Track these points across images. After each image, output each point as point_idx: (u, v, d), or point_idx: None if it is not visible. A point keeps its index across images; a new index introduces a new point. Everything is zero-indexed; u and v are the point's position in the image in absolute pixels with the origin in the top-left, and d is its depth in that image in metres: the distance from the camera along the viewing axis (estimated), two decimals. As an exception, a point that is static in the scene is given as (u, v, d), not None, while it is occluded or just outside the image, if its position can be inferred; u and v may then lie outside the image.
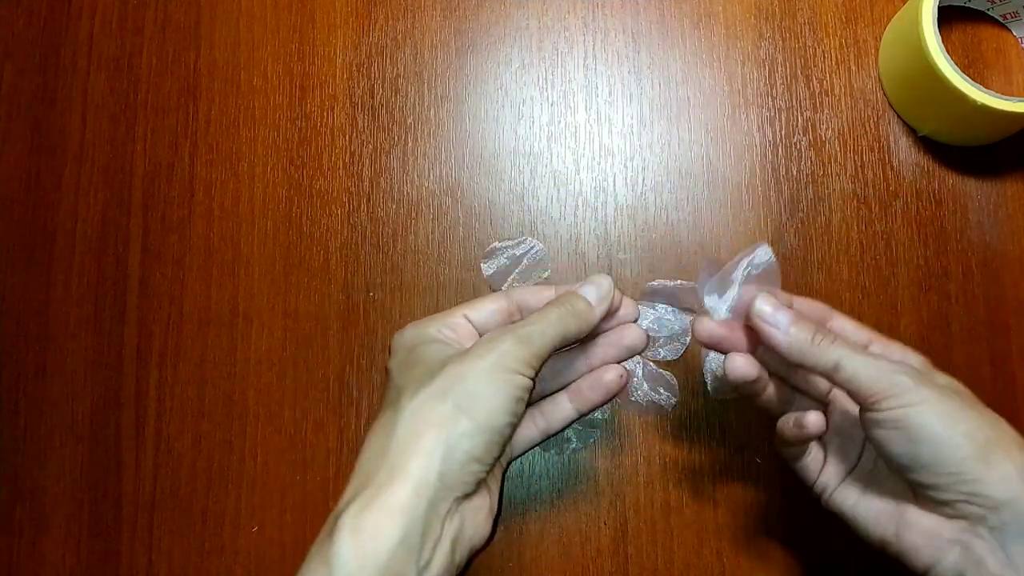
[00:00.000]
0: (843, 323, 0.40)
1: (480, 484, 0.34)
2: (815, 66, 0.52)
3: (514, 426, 0.35)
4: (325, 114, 0.52)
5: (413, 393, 0.34)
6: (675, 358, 0.49)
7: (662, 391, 0.48)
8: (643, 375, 0.48)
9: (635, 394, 0.48)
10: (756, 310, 0.37)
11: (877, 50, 0.52)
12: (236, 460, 0.49)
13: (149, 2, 0.54)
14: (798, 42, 0.52)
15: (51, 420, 0.50)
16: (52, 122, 0.53)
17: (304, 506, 0.48)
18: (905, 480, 0.35)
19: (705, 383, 0.48)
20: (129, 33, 0.54)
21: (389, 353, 0.38)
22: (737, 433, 0.48)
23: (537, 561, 0.47)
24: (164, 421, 0.50)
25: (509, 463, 0.39)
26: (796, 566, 0.47)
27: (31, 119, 0.53)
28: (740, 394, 0.41)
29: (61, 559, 0.49)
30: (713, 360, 0.48)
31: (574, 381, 0.40)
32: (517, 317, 0.40)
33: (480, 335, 0.39)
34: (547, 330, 0.36)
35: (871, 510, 0.37)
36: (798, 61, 0.52)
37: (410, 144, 0.52)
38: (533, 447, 0.40)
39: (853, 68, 0.52)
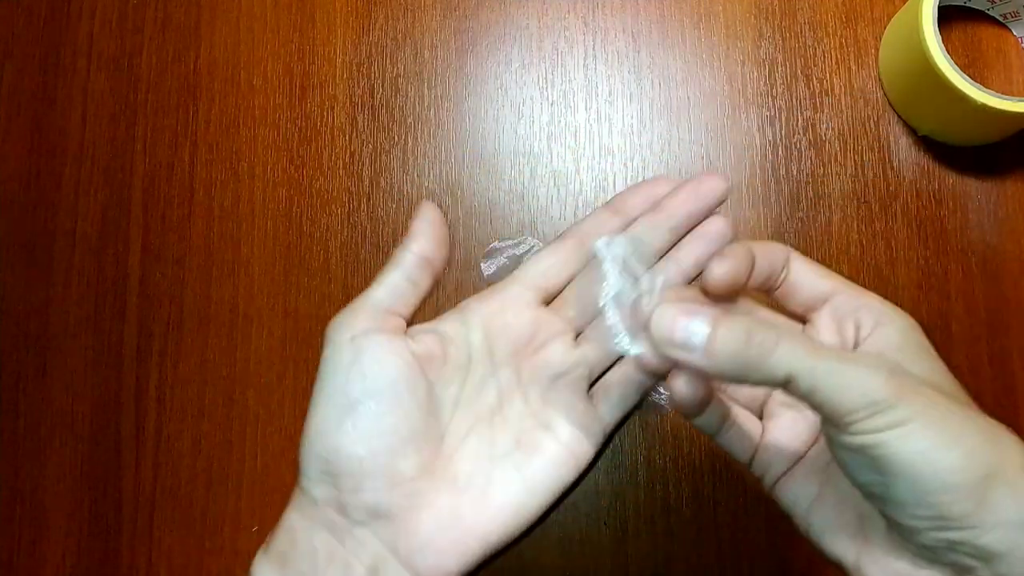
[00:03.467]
0: (801, 274, 0.31)
1: None
2: (815, 66, 0.52)
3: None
4: (325, 114, 0.52)
5: None
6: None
7: (662, 391, 0.48)
8: (643, 375, 0.48)
9: (635, 394, 0.48)
10: (657, 337, 0.27)
11: (877, 50, 0.52)
12: (236, 460, 0.49)
13: (149, 2, 0.54)
14: (798, 42, 0.52)
15: (51, 420, 0.50)
16: (52, 122, 0.53)
17: (304, 506, 0.48)
18: (875, 507, 0.27)
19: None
20: (129, 33, 0.54)
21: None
22: (737, 433, 0.48)
23: (537, 561, 0.47)
24: (164, 421, 0.50)
25: (607, 436, 0.33)
26: (796, 566, 0.47)
27: (31, 119, 0.53)
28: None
29: (61, 559, 0.49)
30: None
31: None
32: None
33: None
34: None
35: (827, 520, 0.29)
36: (798, 61, 0.52)
37: (410, 144, 0.52)
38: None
39: (853, 68, 0.52)
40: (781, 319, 0.31)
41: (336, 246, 0.51)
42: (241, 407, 0.50)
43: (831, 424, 0.26)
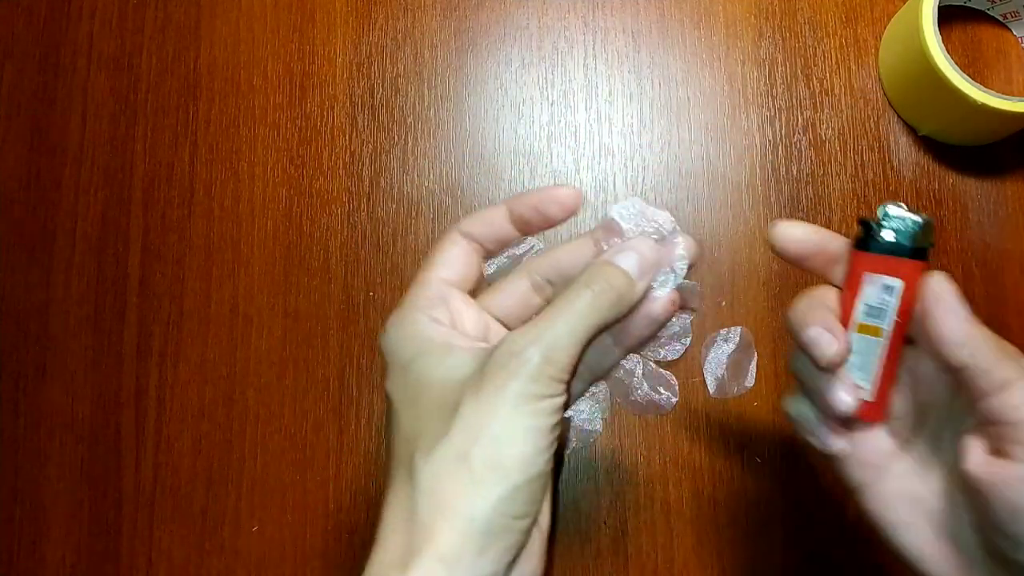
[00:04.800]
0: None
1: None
2: (815, 66, 0.52)
3: (552, 458, 0.29)
4: (325, 114, 0.52)
5: (428, 452, 0.28)
6: (675, 358, 0.49)
7: (662, 391, 0.48)
8: (643, 375, 0.48)
9: (635, 394, 0.48)
10: (935, 289, 0.29)
11: (877, 50, 0.52)
12: (236, 460, 0.49)
13: (149, 2, 0.54)
14: (798, 42, 0.52)
15: (51, 420, 0.50)
16: (52, 122, 0.53)
17: (304, 506, 0.48)
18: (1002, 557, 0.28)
19: (705, 383, 0.48)
20: (129, 33, 0.54)
21: (386, 366, 0.32)
22: (737, 433, 0.48)
23: (537, 561, 0.47)
24: (164, 421, 0.50)
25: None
26: (796, 566, 0.47)
27: (31, 119, 0.53)
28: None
29: (61, 559, 0.49)
30: (713, 360, 0.49)
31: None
32: (523, 244, 0.35)
33: (471, 293, 0.34)
34: (578, 327, 0.29)
35: (923, 540, 0.31)
36: (798, 61, 0.52)
37: (410, 144, 0.52)
38: (579, 397, 0.36)
39: (853, 68, 0.52)
40: None
41: (336, 246, 0.51)
42: (241, 407, 0.50)
43: (1007, 454, 0.27)
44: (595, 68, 0.52)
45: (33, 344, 0.51)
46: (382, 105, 0.52)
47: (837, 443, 0.32)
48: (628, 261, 0.31)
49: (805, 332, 0.30)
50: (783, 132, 0.51)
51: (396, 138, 0.52)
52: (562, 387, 0.29)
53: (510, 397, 0.28)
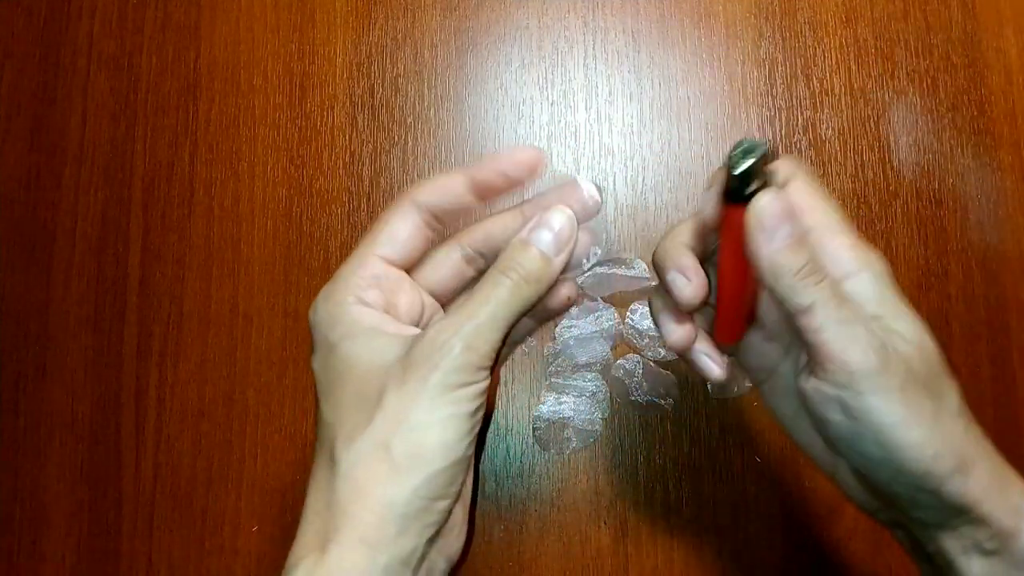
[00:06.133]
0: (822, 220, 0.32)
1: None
2: (815, 66, 0.52)
3: (475, 438, 0.30)
4: (325, 114, 0.52)
5: (349, 441, 0.29)
6: (675, 358, 0.49)
7: (662, 391, 0.48)
8: (643, 375, 0.48)
9: (635, 394, 0.48)
10: (762, 207, 0.29)
11: (877, 50, 0.52)
12: (236, 460, 0.49)
13: (149, 2, 0.54)
14: (798, 42, 0.52)
15: (51, 420, 0.50)
16: (52, 122, 0.53)
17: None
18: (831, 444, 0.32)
19: (705, 383, 0.48)
20: (129, 33, 0.54)
21: (312, 343, 0.31)
22: (737, 433, 0.48)
23: (537, 560, 0.47)
24: (164, 421, 0.50)
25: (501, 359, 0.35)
26: (796, 566, 0.47)
27: (31, 119, 0.53)
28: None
29: (61, 559, 0.49)
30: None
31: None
32: (468, 199, 0.34)
33: (408, 271, 0.33)
34: (499, 315, 0.30)
35: (809, 437, 0.33)
36: (798, 61, 0.52)
37: (410, 144, 0.52)
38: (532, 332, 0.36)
39: (853, 68, 0.52)
40: None
41: (336, 246, 0.51)
42: (241, 407, 0.50)
43: (816, 364, 0.29)
44: (595, 68, 0.52)
45: (33, 344, 0.51)
46: (382, 105, 0.52)
47: (714, 369, 0.34)
48: (543, 239, 0.32)
49: (666, 275, 0.32)
50: (783, 132, 0.51)
51: (396, 138, 0.52)
52: (485, 374, 0.30)
53: (433, 388, 0.28)
